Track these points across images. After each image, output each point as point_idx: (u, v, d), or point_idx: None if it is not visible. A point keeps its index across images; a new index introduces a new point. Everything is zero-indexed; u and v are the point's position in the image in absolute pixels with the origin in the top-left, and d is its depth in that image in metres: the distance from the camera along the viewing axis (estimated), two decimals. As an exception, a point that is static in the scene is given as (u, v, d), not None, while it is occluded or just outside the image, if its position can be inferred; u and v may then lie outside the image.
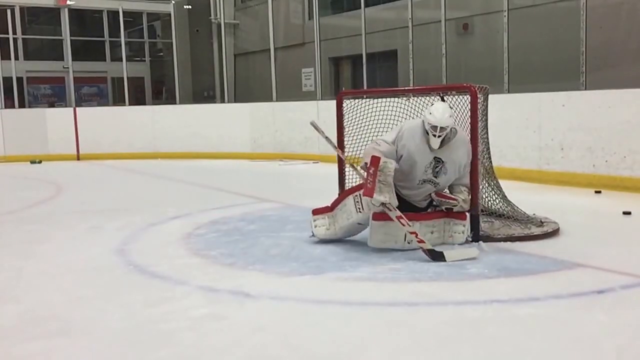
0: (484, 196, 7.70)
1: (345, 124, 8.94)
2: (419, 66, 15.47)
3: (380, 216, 6.96)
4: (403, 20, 15.96)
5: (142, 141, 20.00)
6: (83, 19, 25.74)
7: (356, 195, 7.09)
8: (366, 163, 6.91)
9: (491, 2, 14.74)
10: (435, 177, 7.26)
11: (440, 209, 7.29)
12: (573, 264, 6.44)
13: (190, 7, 24.23)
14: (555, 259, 6.63)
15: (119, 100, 24.44)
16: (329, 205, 7.54)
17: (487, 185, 7.90)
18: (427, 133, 7.13)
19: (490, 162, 8.27)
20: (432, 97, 8.55)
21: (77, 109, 20.89)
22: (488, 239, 7.31)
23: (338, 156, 8.64)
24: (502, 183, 8.42)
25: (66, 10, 21.99)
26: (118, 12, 22.05)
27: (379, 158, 6.84)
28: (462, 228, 7.18)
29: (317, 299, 5.63)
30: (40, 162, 19.53)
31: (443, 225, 7.25)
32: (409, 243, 6.93)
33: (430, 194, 7.41)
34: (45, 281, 6.36)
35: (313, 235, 7.58)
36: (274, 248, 7.32)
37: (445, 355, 4.32)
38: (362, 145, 9.17)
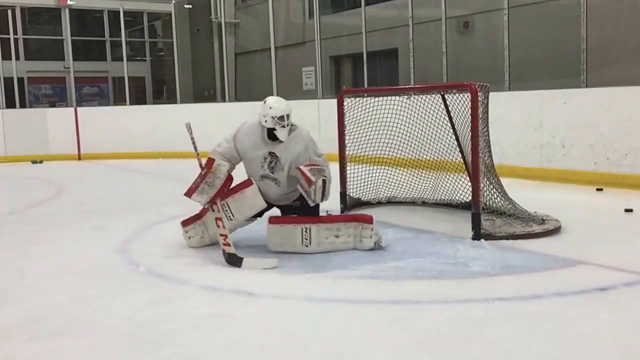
0: (485, 194, 7.69)
1: (346, 122, 8.96)
2: (419, 64, 15.47)
3: (276, 219, 7.12)
4: (403, 19, 15.96)
5: (143, 141, 19.98)
6: (84, 19, 25.77)
7: (224, 204, 7.09)
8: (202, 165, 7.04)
9: (491, 0, 14.73)
10: (272, 172, 7.26)
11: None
12: (575, 262, 6.45)
13: (190, 6, 24.24)
14: (557, 257, 6.63)
15: (119, 100, 24.47)
16: (198, 212, 7.53)
17: (488, 183, 7.89)
18: (270, 130, 7.17)
19: (492, 160, 8.26)
20: (433, 95, 8.60)
21: (78, 108, 20.89)
22: (490, 237, 7.31)
23: (340, 155, 8.68)
24: (504, 181, 8.43)
25: (67, 10, 21.99)
26: (119, 11, 22.03)
27: (213, 160, 7.02)
28: (371, 232, 7.09)
29: (319, 297, 5.64)
30: (41, 162, 19.53)
31: (352, 230, 7.14)
32: (306, 246, 7.01)
33: (289, 193, 7.41)
34: (47, 281, 6.38)
35: (190, 246, 7.55)
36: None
37: (448, 353, 4.33)
38: (363, 144, 9.20)
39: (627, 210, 8.81)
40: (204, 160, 7.09)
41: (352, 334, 4.70)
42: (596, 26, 12.49)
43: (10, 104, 21.15)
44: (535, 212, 8.17)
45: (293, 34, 22.49)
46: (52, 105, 24.32)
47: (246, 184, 7.19)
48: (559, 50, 14.27)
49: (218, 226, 6.87)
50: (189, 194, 6.98)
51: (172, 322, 5.05)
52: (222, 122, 19.51)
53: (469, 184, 8.03)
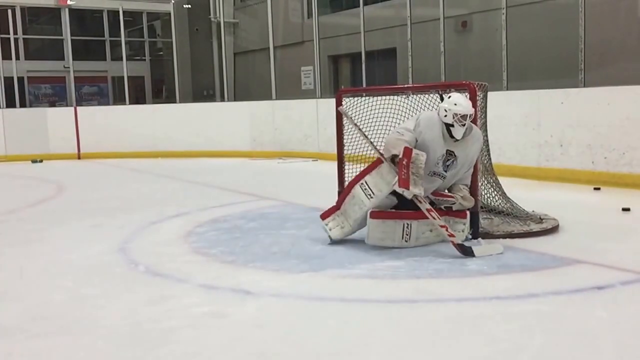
0: (483, 193, 7.73)
1: (344, 121, 8.96)
2: (417, 64, 15.49)
3: (378, 214, 7.02)
4: (402, 18, 15.98)
5: (143, 140, 20.00)
6: (83, 18, 25.80)
7: (362, 184, 7.09)
8: (395, 155, 6.87)
9: (490, -1, 14.79)
10: (445, 170, 7.18)
11: (438, 207, 7.26)
12: (572, 261, 6.46)
13: (189, 6, 24.26)
14: (554, 256, 6.64)
15: (119, 100, 24.52)
16: (335, 204, 7.51)
17: (486, 182, 7.92)
18: (447, 125, 7.05)
19: (490, 159, 8.28)
20: (431, 95, 8.60)
21: (78, 108, 20.92)
22: (487, 235, 7.34)
23: (338, 155, 8.70)
24: (502, 180, 8.45)
25: (67, 10, 22.02)
26: (118, 11, 22.06)
27: (411, 149, 6.81)
28: (463, 226, 7.17)
29: (317, 296, 5.65)
30: (41, 161, 19.57)
31: (444, 223, 7.16)
32: (406, 242, 6.99)
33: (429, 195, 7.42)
34: (46, 280, 6.40)
35: (331, 240, 7.44)
36: (274, 246, 7.35)
37: (444, 351, 4.34)
38: (361, 143, 9.20)
39: (624, 210, 8.82)
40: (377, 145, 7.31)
41: (349, 333, 4.71)
42: (594, 26, 12.51)
43: (10, 104, 21.19)
44: (533, 211, 8.19)
45: (292, 34, 22.51)
46: (52, 104, 24.38)
47: (378, 162, 7.15)
48: (557, 50, 14.28)
49: (434, 218, 6.81)
50: (405, 185, 6.73)
51: (171, 320, 5.06)
52: (221, 122, 19.67)
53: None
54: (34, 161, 19.51)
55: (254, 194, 11.40)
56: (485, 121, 8.09)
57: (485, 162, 8.05)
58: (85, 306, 5.53)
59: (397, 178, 6.76)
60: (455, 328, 4.73)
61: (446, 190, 7.35)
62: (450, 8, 15.10)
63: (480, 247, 6.75)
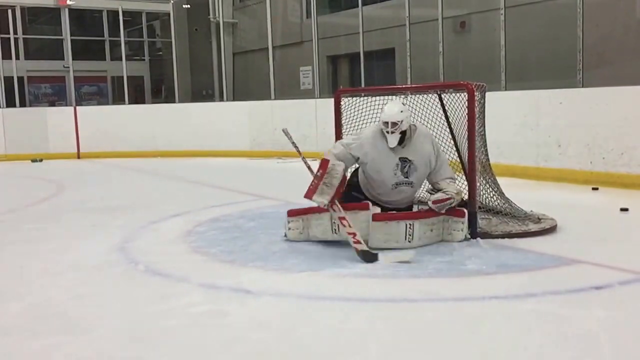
0: (481, 193, 7.73)
1: (343, 121, 8.97)
2: (416, 64, 15.51)
3: (381, 216, 7.04)
4: (400, 19, 15.98)
5: (142, 140, 20.02)
6: (83, 18, 25.81)
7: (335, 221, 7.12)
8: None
9: (488, 0, 14.77)
10: (407, 177, 7.32)
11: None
12: (571, 260, 6.47)
13: (189, 6, 24.24)
14: (552, 256, 6.64)
15: (118, 99, 24.52)
16: (305, 207, 7.52)
17: (484, 182, 7.92)
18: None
19: (488, 159, 8.30)
20: (430, 95, 8.63)
21: (78, 107, 20.94)
22: (486, 235, 7.34)
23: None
24: (500, 180, 8.46)
25: (66, 10, 22.04)
26: (118, 11, 22.12)
27: (328, 161, 7.01)
28: (461, 225, 7.21)
29: (316, 295, 5.67)
30: (41, 160, 19.59)
31: (442, 222, 7.25)
32: (409, 242, 7.00)
33: (414, 198, 7.51)
34: (46, 279, 6.40)
35: (285, 236, 7.62)
36: (274, 245, 7.36)
37: (443, 351, 4.35)
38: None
39: (622, 210, 8.83)
40: (310, 161, 7.32)
41: (349, 332, 4.73)
42: (592, 26, 12.53)
43: (10, 103, 21.22)
44: (531, 211, 8.19)
45: (290, 34, 22.51)
46: (52, 104, 24.37)
47: (363, 206, 7.17)
48: (555, 50, 14.29)
49: (344, 225, 6.82)
50: (308, 195, 6.92)
51: (171, 319, 5.08)
52: (220, 122, 19.68)
53: (466, 183, 8.04)
54: (33, 160, 19.54)
55: (253, 193, 11.41)
56: (484, 121, 8.11)
57: (484, 161, 8.06)
58: (85, 305, 5.55)
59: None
60: (454, 328, 4.74)
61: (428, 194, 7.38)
62: (449, 8, 15.12)
63: (390, 254, 6.69)
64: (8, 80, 21.27)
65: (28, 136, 20.18)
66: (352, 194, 7.57)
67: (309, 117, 17.47)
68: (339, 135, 8.89)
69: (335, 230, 7.18)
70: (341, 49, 21.37)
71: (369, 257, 6.57)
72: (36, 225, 9.18)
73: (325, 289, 5.84)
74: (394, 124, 7.10)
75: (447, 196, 7.20)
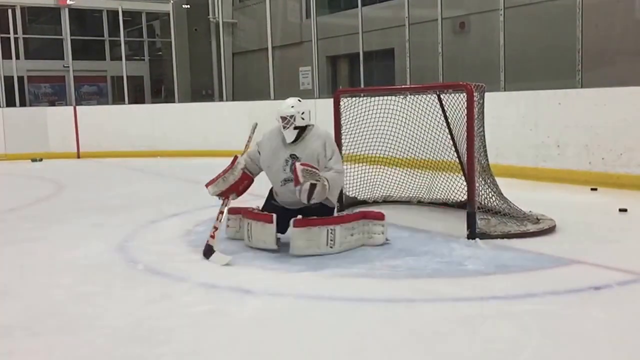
0: (480, 193, 7.73)
1: (342, 122, 9.00)
2: (415, 64, 15.51)
3: (301, 223, 7.04)
4: (400, 19, 15.98)
5: (141, 139, 20.03)
6: (83, 18, 25.82)
7: (249, 223, 7.32)
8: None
9: (487, 0, 14.77)
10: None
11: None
12: (569, 261, 6.49)
13: (189, 6, 24.25)
14: (551, 256, 6.67)
15: (118, 99, 24.54)
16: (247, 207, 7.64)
17: (483, 182, 7.93)
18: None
19: (487, 159, 8.31)
20: (429, 95, 8.64)
21: (77, 107, 20.93)
22: (484, 236, 7.36)
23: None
24: (499, 180, 8.47)
25: (66, 9, 22.04)
26: (117, 11, 22.13)
27: (237, 157, 7.41)
28: (381, 228, 7.25)
29: (315, 295, 5.69)
30: (41, 160, 19.61)
31: (362, 226, 7.26)
32: (331, 247, 7.00)
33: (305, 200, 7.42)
34: (46, 278, 6.43)
35: (228, 227, 7.82)
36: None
37: (442, 351, 4.37)
38: (359, 143, 9.25)
39: (621, 210, 8.86)
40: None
41: (348, 331, 4.75)
42: (591, 27, 12.56)
43: (10, 103, 21.23)
44: (530, 211, 8.21)
45: (290, 34, 22.52)
46: (52, 104, 24.39)
47: (268, 218, 7.18)
48: (554, 51, 14.31)
49: (217, 218, 7.06)
50: (208, 184, 7.32)
51: (170, 318, 5.10)
52: (219, 121, 19.68)
53: (464, 183, 8.06)
54: (33, 160, 19.56)
55: (252, 193, 11.36)
56: (483, 122, 8.12)
57: (483, 162, 8.07)
58: (85, 304, 5.57)
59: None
60: (453, 327, 4.76)
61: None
62: (448, 9, 15.13)
63: (218, 255, 6.85)
64: (8, 80, 21.29)
65: (28, 136, 20.19)
66: (271, 202, 7.67)
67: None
68: (338, 136, 8.90)
69: (249, 236, 7.39)
70: (341, 49, 21.37)
71: (207, 252, 6.87)
72: (36, 224, 9.21)
73: (324, 289, 5.86)
74: (284, 118, 7.19)
75: (321, 173, 7.07)
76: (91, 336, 4.78)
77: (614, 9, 14.17)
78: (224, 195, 7.22)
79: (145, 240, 7.99)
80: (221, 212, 7.10)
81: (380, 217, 7.27)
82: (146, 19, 25.99)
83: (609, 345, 4.38)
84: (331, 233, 7.00)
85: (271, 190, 7.71)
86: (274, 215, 7.16)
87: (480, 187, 7.80)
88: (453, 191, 9.14)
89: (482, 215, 7.74)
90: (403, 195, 9.59)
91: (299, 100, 7.36)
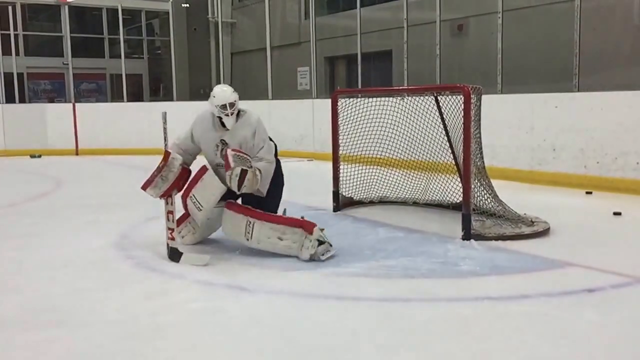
0: (475, 195, 7.76)
1: (340, 122, 9.03)
2: (413, 66, 15.53)
3: (230, 206, 7.13)
4: (398, 21, 16.01)
5: (140, 137, 20.03)
6: (83, 16, 25.82)
7: (191, 197, 7.17)
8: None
9: (486, 3, 14.77)
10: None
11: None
12: (564, 263, 6.53)
13: (188, 5, 24.28)
14: (546, 258, 6.71)
15: (117, 97, 24.52)
16: (184, 212, 7.58)
17: (478, 184, 7.95)
18: (219, 118, 7.23)
19: (483, 161, 8.33)
20: (426, 97, 8.67)
21: (76, 104, 20.95)
22: (479, 237, 7.39)
23: (333, 155, 8.77)
24: (494, 183, 8.50)
25: (66, 7, 22.04)
26: (117, 9, 22.17)
27: (169, 153, 7.08)
28: (309, 243, 6.80)
29: (311, 293, 5.73)
30: (40, 156, 19.65)
31: (298, 236, 6.86)
32: (247, 240, 6.98)
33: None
34: (44, 273, 6.46)
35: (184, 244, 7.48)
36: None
37: (436, 350, 4.41)
38: (356, 143, 9.28)
39: (615, 214, 8.90)
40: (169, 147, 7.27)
41: (343, 330, 4.79)
42: (589, 31, 12.59)
43: (10, 99, 21.27)
44: (525, 213, 8.25)
45: (289, 35, 22.53)
46: (51, 100, 24.38)
47: (202, 171, 7.21)
48: (552, 54, 14.33)
49: (168, 219, 6.94)
50: (144, 187, 7.06)
51: (166, 315, 5.14)
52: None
53: (460, 185, 8.10)
54: (32, 156, 19.59)
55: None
56: (479, 124, 8.15)
57: (479, 164, 8.10)
58: (83, 300, 5.60)
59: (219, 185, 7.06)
60: (448, 327, 4.80)
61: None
62: (447, 11, 15.13)
63: (189, 255, 6.83)
64: (8, 76, 21.33)
65: (27, 132, 20.25)
66: None
67: (306, 118, 17.52)
68: (335, 136, 8.94)
69: (199, 208, 7.19)
70: (339, 50, 21.38)
71: (174, 255, 6.77)
72: (34, 220, 9.24)
73: (320, 287, 5.90)
74: (232, 104, 7.11)
75: (251, 162, 7.08)
76: (88, 331, 4.82)
77: (612, 13, 14.21)
78: (167, 194, 7.04)
79: (142, 237, 8.03)
80: (171, 212, 6.97)
81: (309, 229, 6.85)
82: (145, 17, 25.96)
83: (602, 347, 4.42)
84: (249, 225, 6.95)
85: None
86: (205, 164, 7.31)
87: (476, 189, 7.82)
88: (449, 192, 9.18)
89: (477, 217, 7.77)
90: (399, 196, 9.63)
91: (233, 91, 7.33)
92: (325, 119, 9.19)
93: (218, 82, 22.00)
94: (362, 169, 9.59)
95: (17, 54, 22.33)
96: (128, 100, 22.00)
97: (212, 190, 7.09)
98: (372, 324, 4.91)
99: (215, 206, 7.21)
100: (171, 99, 21.83)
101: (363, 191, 9.66)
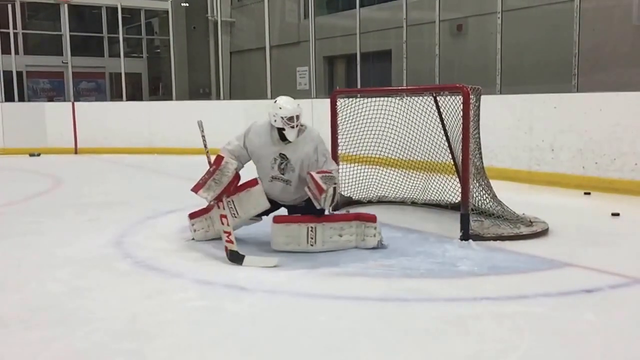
0: (474, 195, 7.77)
1: (339, 122, 9.03)
2: (412, 66, 15.52)
3: (281, 219, 7.14)
4: (397, 21, 15.99)
5: (139, 136, 20.03)
6: (82, 15, 25.80)
7: (230, 201, 7.20)
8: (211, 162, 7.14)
9: (485, 3, 14.79)
10: (282, 174, 7.31)
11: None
12: (562, 264, 6.54)
13: (187, 4, 24.29)
14: (544, 259, 6.72)
15: (116, 96, 24.54)
16: (205, 206, 7.58)
17: (477, 184, 7.96)
18: (279, 129, 7.21)
19: (482, 161, 8.33)
20: (425, 97, 8.67)
21: (76, 103, 20.93)
22: (478, 237, 7.39)
23: (332, 154, 8.76)
24: (493, 183, 8.52)
25: (66, 6, 22.02)
26: (116, 8, 22.16)
27: (222, 157, 7.10)
28: (374, 231, 7.16)
29: (310, 293, 5.74)
30: (39, 155, 19.64)
31: (355, 228, 7.19)
32: (311, 245, 7.05)
33: (299, 194, 7.43)
34: (43, 272, 6.46)
35: (193, 239, 7.66)
36: (268, 243, 7.33)
37: (434, 350, 4.43)
38: (355, 143, 9.28)
39: (613, 214, 8.92)
40: (213, 157, 7.20)
41: (341, 329, 4.80)
42: (588, 32, 12.59)
43: (9, 98, 21.30)
44: (523, 214, 8.26)
45: (288, 34, 22.52)
46: (50, 99, 24.39)
47: (252, 183, 7.27)
48: (551, 55, 14.33)
49: (222, 223, 6.92)
50: (195, 189, 7.04)
51: (165, 314, 5.15)
52: (217, 120, 19.63)
53: (459, 185, 8.10)
54: (31, 154, 19.59)
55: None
56: (479, 124, 8.16)
57: (477, 164, 8.11)
58: (82, 298, 5.61)
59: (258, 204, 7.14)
60: (446, 327, 4.81)
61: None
62: (446, 11, 15.13)
63: (253, 257, 6.74)
64: (7, 75, 21.36)
65: (26, 130, 20.23)
66: None
67: (304, 117, 17.44)
68: (334, 136, 8.95)
69: (234, 215, 7.28)
70: (338, 49, 21.38)
71: (235, 258, 6.68)
72: (33, 218, 9.24)
73: (319, 287, 5.91)
74: (298, 117, 7.15)
75: (327, 169, 7.18)
76: (87, 330, 4.82)
77: (611, 14, 14.22)
78: (219, 198, 7.07)
79: (141, 236, 8.03)
80: (224, 216, 6.96)
81: (372, 219, 7.20)
82: (145, 16, 25.97)
83: (599, 348, 4.43)
84: (311, 231, 7.04)
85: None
86: (257, 178, 7.31)
87: (475, 189, 7.84)
88: (447, 193, 9.18)
89: (476, 217, 7.78)
90: (398, 195, 9.63)
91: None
92: (324, 118, 9.17)
93: (217, 82, 22.04)
94: (360, 169, 9.59)
95: (17, 52, 22.33)
96: (127, 100, 22.00)
97: (255, 205, 7.19)
98: (371, 324, 4.92)
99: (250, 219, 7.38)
100: (170, 98, 21.79)
101: (362, 191, 9.66)
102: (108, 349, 4.48)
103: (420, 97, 8.99)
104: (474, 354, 4.34)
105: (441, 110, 8.61)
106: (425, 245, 7.26)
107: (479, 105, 8.16)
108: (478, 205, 7.91)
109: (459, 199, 7.89)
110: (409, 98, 9.01)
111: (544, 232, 7.76)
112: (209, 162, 7.21)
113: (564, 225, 8.12)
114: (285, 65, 21.58)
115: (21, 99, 22.40)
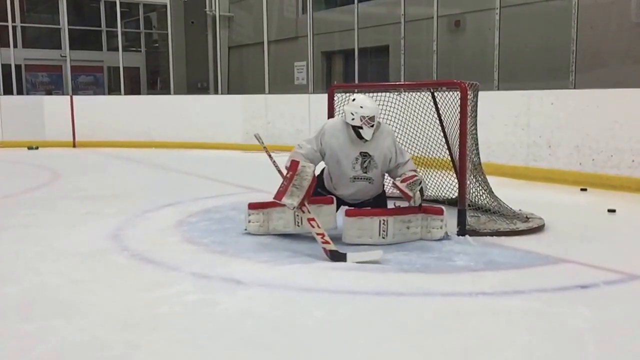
0: (471, 191, 7.78)
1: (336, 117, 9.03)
2: (410, 62, 15.55)
3: (353, 212, 7.14)
4: (395, 16, 16.01)
5: (137, 130, 20.04)
6: (81, 8, 25.84)
7: (305, 208, 7.08)
8: (287, 167, 7.06)
9: (483, -1, 14.84)
10: (365, 172, 7.35)
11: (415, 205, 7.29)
12: (558, 259, 6.55)
13: (186, -1, 24.35)
14: (540, 254, 6.73)
15: (114, 90, 24.52)
16: (265, 201, 7.55)
17: (474, 180, 7.96)
18: (355, 128, 7.20)
19: (479, 157, 8.35)
20: (423, 93, 8.67)
21: (74, 97, 20.95)
22: (474, 233, 7.42)
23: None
24: (490, 179, 8.54)
25: (64, -1, 22.10)
26: (115, 2, 22.10)
27: (297, 162, 7.00)
28: (440, 223, 7.25)
29: (306, 287, 5.73)
30: (37, 148, 19.65)
31: (420, 220, 7.28)
32: (383, 238, 7.09)
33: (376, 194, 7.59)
34: (41, 264, 6.46)
35: (246, 229, 7.64)
36: (265, 237, 7.41)
37: (430, 344, 4.43)
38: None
39: (610, 211, 8.94)
40: (277, 161, 7.24)
41: (338, 323, 4.80)
42: (586, 28, 12.61)
43: (7, 91, 21.29)
44: (520, 210, 8.26)
45: (286, 29, 22.51)
46: (49, 92, 24.43)
47: (327, 200, 7.30)
48: (549, 51, 14.35)
49: (312, 226, 6.80)
50: (278, 197, 6.89)
51: (162, 307, 5.15)
52: (215, 114, 19.71)
53: (456, 180, 8.11)
54: (29, 148, 19.60)
55: (245, 186, 11.44)
56: (476, 120, 8.17)
57: (474, 160, 8.12)
58: (79, 291, 5.62)
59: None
60: (441, 322, 4.82)
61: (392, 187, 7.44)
62: (444, 7, 15.14)
63: (357, 254, 6.62)
64: (5, 68, 21.35)
65: (24, 124, 20.25)
66: (316, 189, 7.48)
67: (302, 112, 17.52)
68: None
69: (298, 223, 7.30)
70: (336, 45, 21.40)
71: (337, 257, 6.58)
72: (31, 211, 9.25)
73: (315, 281, 5.90)
74: (376, 117, 7.19)
75: (413, 174, 7.25)
76: (84, 322, 4.83)
77: (609, 10, 14.23)
78: (302, 203, 6.91)
79: (138, 230, 8.03)
80: (313, 219, 6.84)
81: (439, 212, 7.28)
82: (143, 10, 26.00)
83: (595, 343, 4.42)
84: (383, 224, 7.09)
85: (320, 181, 7.58)
86: (334, 197, 7.34)
87: (472, 185, 7.85)
88: (444, 188, 9.20)
89: (473, 213, 7.78)
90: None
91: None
92: (321, 113, 9.16)
93: (215, 76, 22.03)
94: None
95: (15, 45, 22.32)
96: (125, 93, 22.02)
97: (323, 222, 7.00)
98: (367, 318, 4.93)
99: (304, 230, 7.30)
100: (168, 92, 21.83)
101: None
102: (104, 342, 4.47)
103: (418, 93, 8.99)
104: (469, 349, 4.34)
105: (439, 105, 8.62)
106: (421, 241, 7.26)
107: (477, 101, 8.18)
108: (475, 200, 7.92)
109: (456, 194, 7.89)
110: (406, 94, 9.01)
111: (540, 228, 7.77)
112: (278, 170, 7.21)
113: (560, 222, 8.13)
114: (283, 60, 21.59)
115: (19, 92, 22.44)
